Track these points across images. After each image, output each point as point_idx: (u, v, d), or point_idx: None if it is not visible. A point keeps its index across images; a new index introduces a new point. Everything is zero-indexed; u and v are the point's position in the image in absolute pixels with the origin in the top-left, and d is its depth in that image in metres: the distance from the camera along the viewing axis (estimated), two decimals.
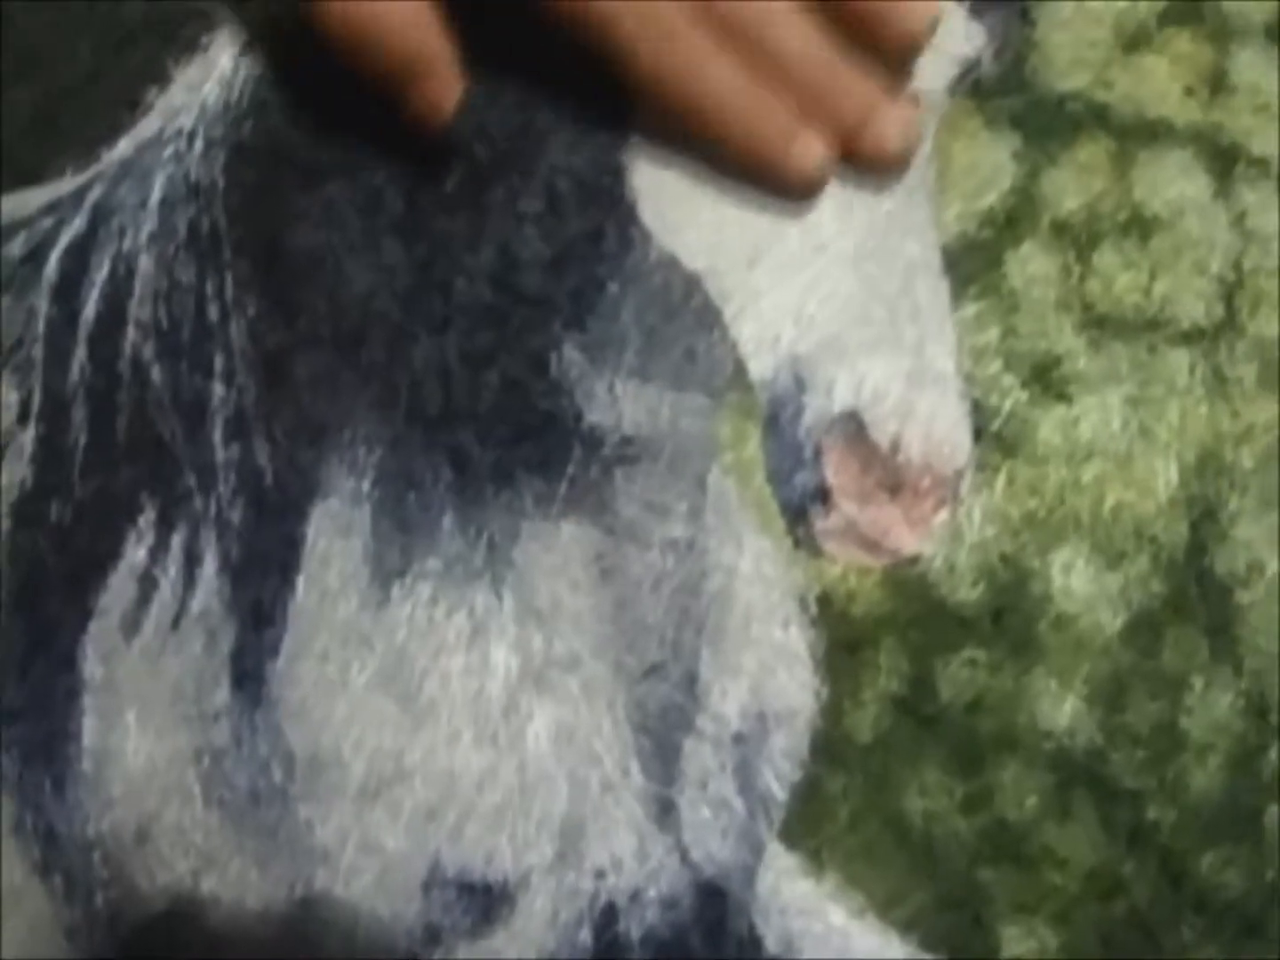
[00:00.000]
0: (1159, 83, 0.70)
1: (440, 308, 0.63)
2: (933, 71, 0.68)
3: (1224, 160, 0.68)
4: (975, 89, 0.68)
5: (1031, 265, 0.66)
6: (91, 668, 0.58)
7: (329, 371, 0.61)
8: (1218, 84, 0.70)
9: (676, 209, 0.65)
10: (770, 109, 0.58)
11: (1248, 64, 0.70)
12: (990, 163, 0.67)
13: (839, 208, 0.65)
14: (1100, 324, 0.66)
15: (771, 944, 0.59)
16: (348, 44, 0.57)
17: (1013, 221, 0.67)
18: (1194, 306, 0.66)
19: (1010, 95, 0.68)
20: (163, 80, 0.63)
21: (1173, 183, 0.68)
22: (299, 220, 0.61)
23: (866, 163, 0.57)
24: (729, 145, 0.57)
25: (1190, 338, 0.66)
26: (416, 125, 0.57)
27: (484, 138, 0.64)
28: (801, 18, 0.58)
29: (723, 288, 0.64)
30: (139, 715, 0.58)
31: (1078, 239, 0.67)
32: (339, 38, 0.57)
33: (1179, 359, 0.66)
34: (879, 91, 0.58)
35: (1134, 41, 0.70)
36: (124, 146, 0.63)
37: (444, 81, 0.60)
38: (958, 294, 0.64)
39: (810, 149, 0.57)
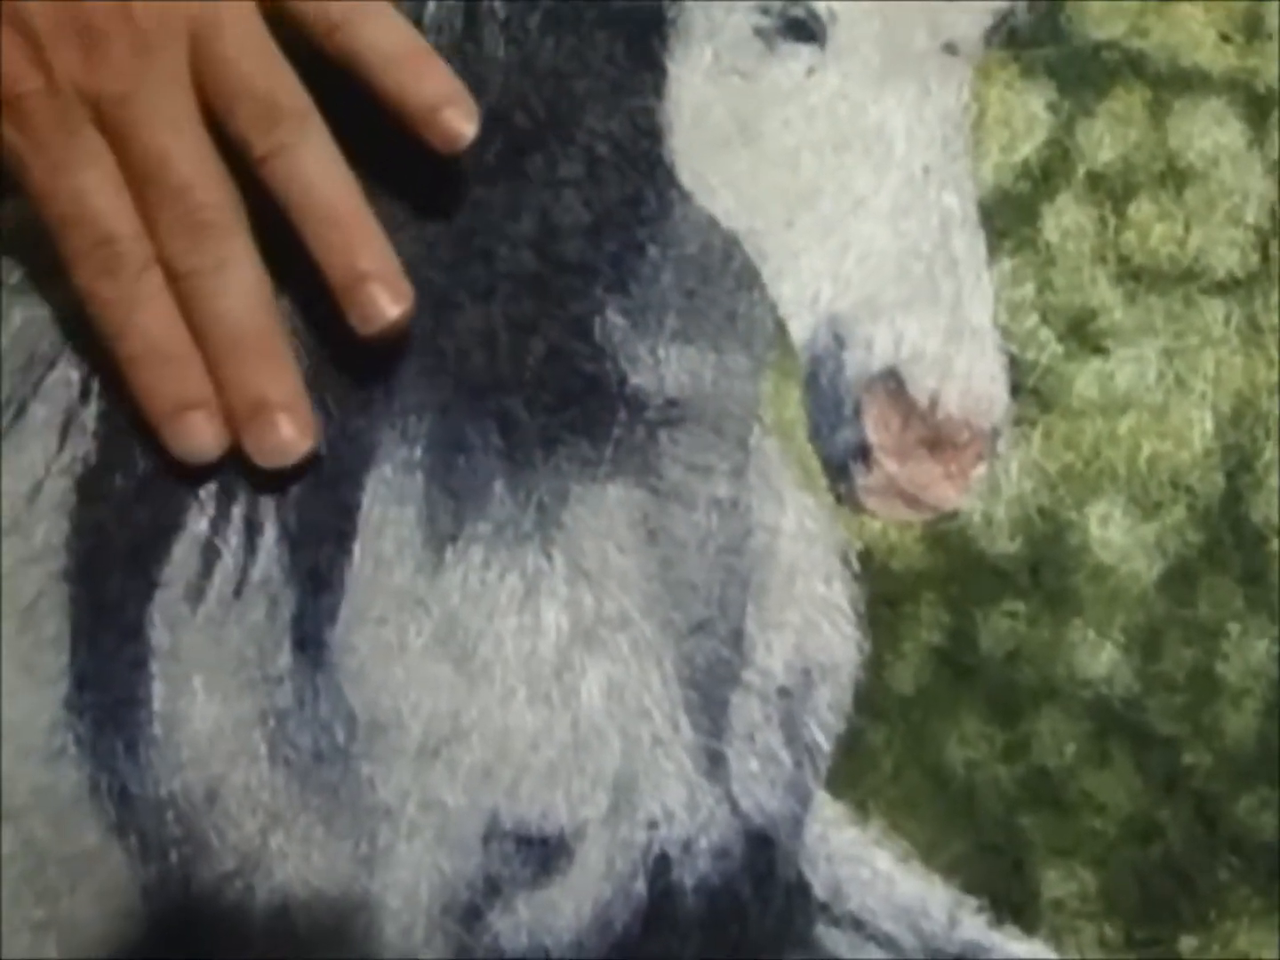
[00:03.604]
0: (1194, 30, 0.75)
1: (483, 276, 0.68)
2: (969, 20, 0.74)
3: (1259, 108, 0.74)
4: (1011, 38, 0.74)
5: (1067, 218, 0.71)
6: (158, 636, 0.63)
7: (379, 342, 0.68)
8: (1253, 30, 0.75)
9: (713, 170, 0.71)
10: (175, 372, 0.67)
11: None
12: (1025, 114, 0.73)
13: (876, 163, 0.71)
14: (1136, 276, 0.71)
15: (819, 890, 0.65)
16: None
17: (1048, 174, 0.72)
18: (1229, 256, 0.72)
19: (1046, 45, 0.74)
20: None
21: (1207, 132, 0.73)
22: None
23: (246, 449, 0.64)
24: (132, 390, 0.66)
25: (1225, 288, 0.72)
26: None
27: (523, 107, 0.71)
28: (254, 287, 0.66)
29: (760, 248, 0.70)
30: (205, 680, 0.63)
31: (1113, 191, 0.72)
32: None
33: (1214, 309, 0.71)
34: (282, 390, 0.66)
35: None
36: None
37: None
38: (994, 248, 0.70)
39: (189, 429, 0.65)
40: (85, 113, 0.64)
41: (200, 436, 0.65)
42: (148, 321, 0.64)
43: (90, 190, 0.64)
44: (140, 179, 0.64)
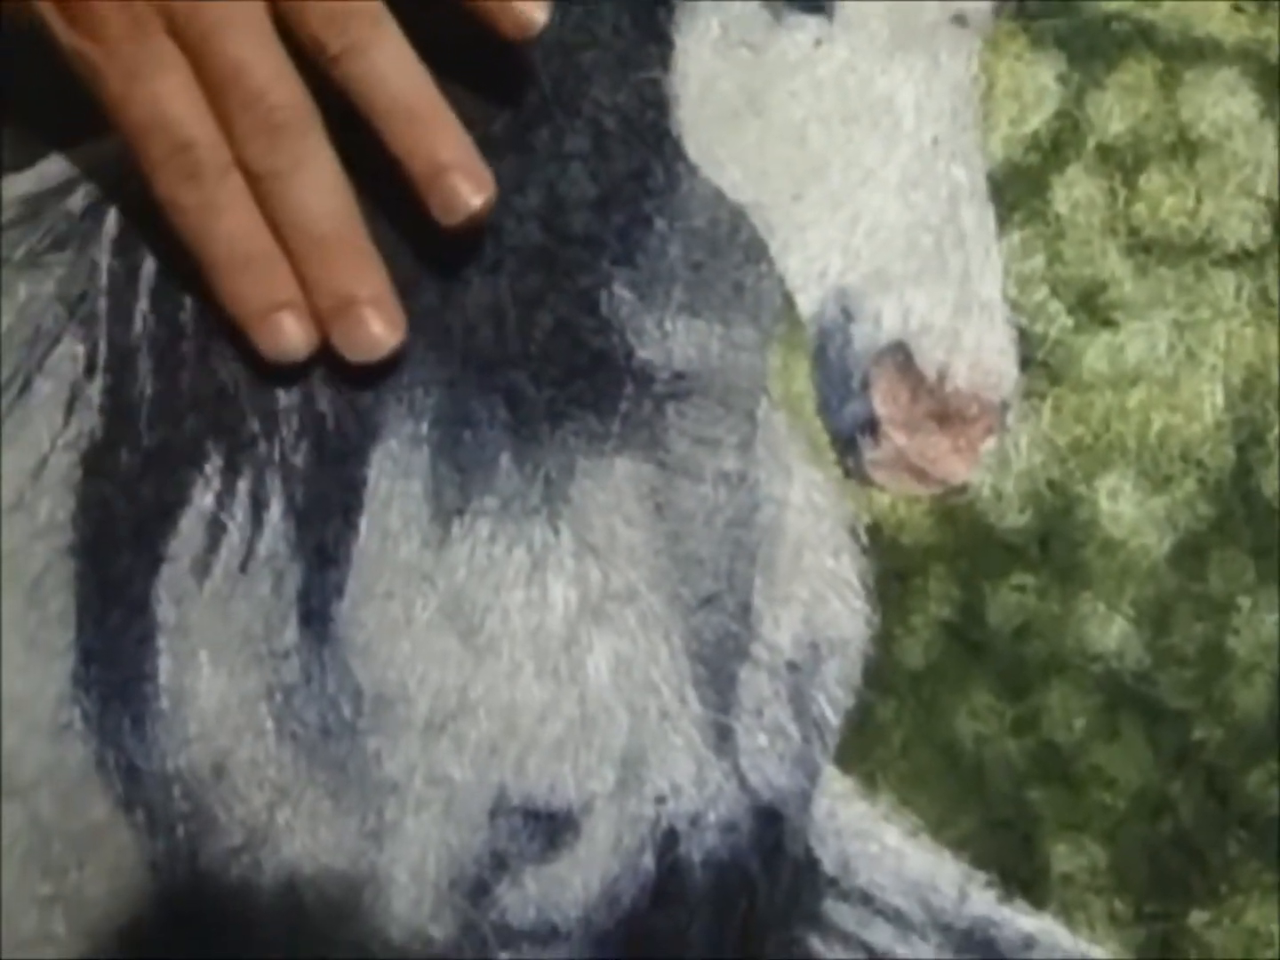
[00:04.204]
0: (1205, 0, 0.76)
1: (490, 250, 0.69)
2: None
3: (1271, 78, 0.74)
4: (1020, 10, 0.74)
5: (1077, 190, 0.72)
6: (164, 611, 0.64)
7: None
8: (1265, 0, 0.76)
9: (720, 143, 0.71)
10: (261, 274, 0.67)
11: None
12: (1035, 86, 0.74)
13: (884, 135, 0.72)
14: (1146, 248, 0.72)
15: (828, 865, 0.66)
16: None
17: (1058, 146, 0.72)
18: (1240, 228, 0.72)
19: (1055, 16, 0.74)
20: None
21: (1219, 103, 0.74)
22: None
23: (336, 346, 0.66)
24: (218, 294, 0.66)
25: (1236, 260, 0.72)
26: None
27: (529, 80, 0.71)
28: (334, 185, 0.67)
29: (768, 221, 0.71)
30: (211, 655, 0.64)
31: (1123, 162, 0.73)
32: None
33: (1225, 281, 0.72)
34: (369, 285, 0.67)
35: None
36: None
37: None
38: (1003, 220, 0.70)
39: (279, 330, 0.66)
40: (158, 21, 0.65)
41: (290, 336, 0.66)
42: (230, 225, 0.65)
43: (166, 97, 0.65)
44: (215, 85, 0.65)
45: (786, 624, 0.66)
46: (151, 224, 0.68)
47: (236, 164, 0.65)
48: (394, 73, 0.66)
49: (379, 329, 0.66)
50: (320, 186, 0.66)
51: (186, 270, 0.67)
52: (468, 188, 0.66)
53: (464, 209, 0.66)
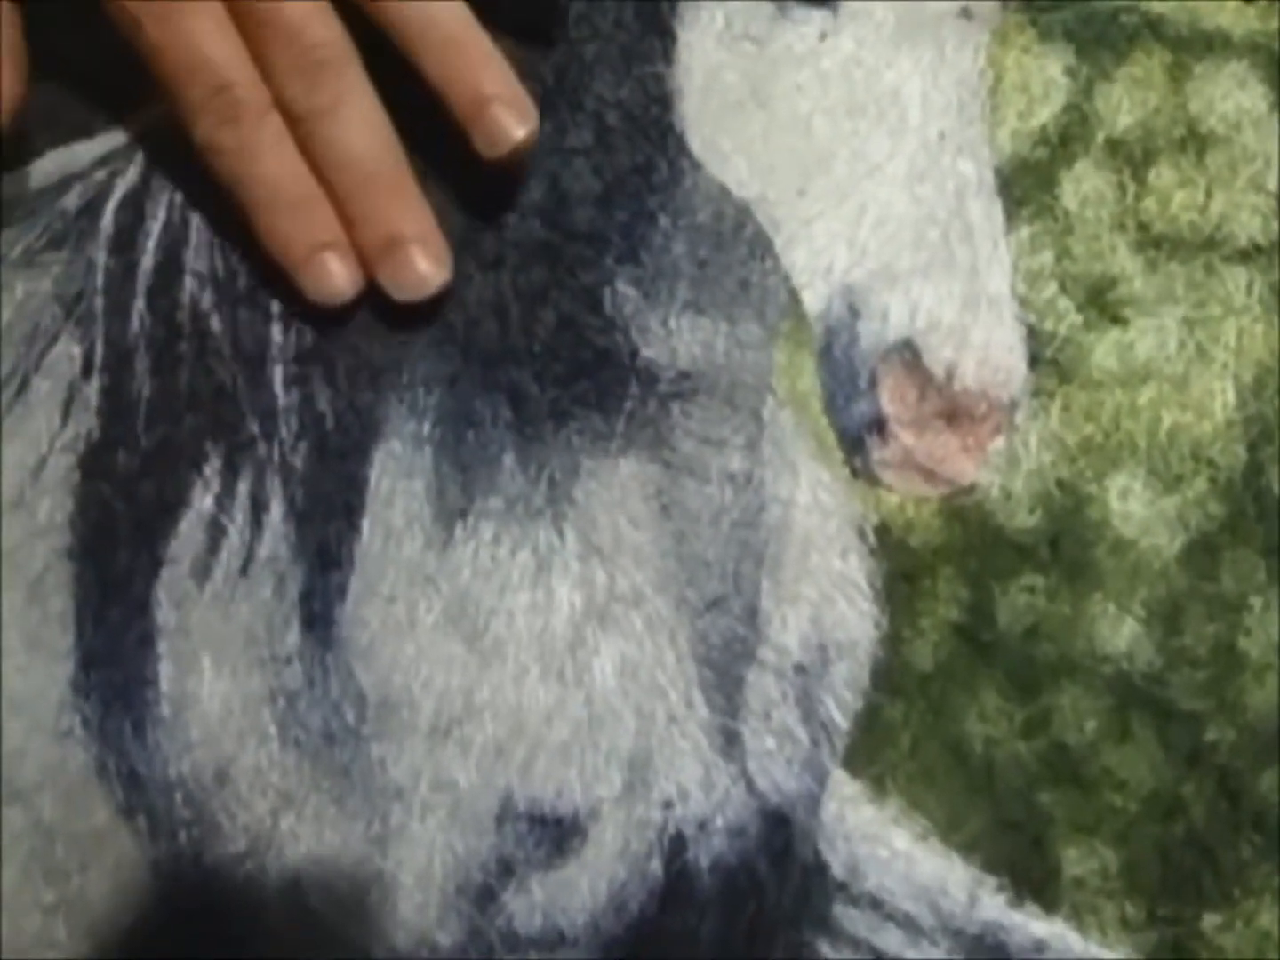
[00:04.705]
0: None
1: (493, 245, 0.69)
2: None
3: None
4: (1028, 2, 0.75)
5: (1086, 185, 0.72)
6: (165, 614, 0.64)
7: (386, 313, 0.68)
8: None
9: (725, 137, 0.71)
10: (304, 216, 0.67)
11: None
12: (1043, 79, 0.74)
13: (890, 129, 0.72)
14: (1156, 244, 0.72)
15: (837, 869, 0.66)
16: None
17: (1067, 140, 0.73)
18: (1251, 223, 0.72)
19: (1063, 8, 0.75)
20: None
21: (1229, 96, 0.74)
22: None
23: (382, 285, 0.66)
24: (260, 237, 0.66)
25: (1247, 255, 0.72)
26: None
27: (531, 74, 0.71)
28: (375, 122, 0.67)
29: (773, 217, 0.71)
30: (213, 659, 0.64)
31: (1133, 157, 0.73)
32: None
33: (1236, 277, 0.72)
34: (414, 223, 0.67)
35: None
36: None
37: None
38: (1012, 216, 0.71)
39: (325, 271, 0.66)
40: None
41: (336, 277, 0.66)
42: (273, 167, 0.65)
43: (204, 39, 0.65)
44: (252, 25, 0.65)
45: (794, 626, 0.66)
46: (149, 220, 0.68)
47: (276, 105, 0.65)
48: (433, 4, 0.66)
49: (425, 266, 0.66)
50: (362, 124, 0.66)
51: (185, 267, 0.67)
52: (511, 119, 0.66)
53: (508, 141, 0.66)
